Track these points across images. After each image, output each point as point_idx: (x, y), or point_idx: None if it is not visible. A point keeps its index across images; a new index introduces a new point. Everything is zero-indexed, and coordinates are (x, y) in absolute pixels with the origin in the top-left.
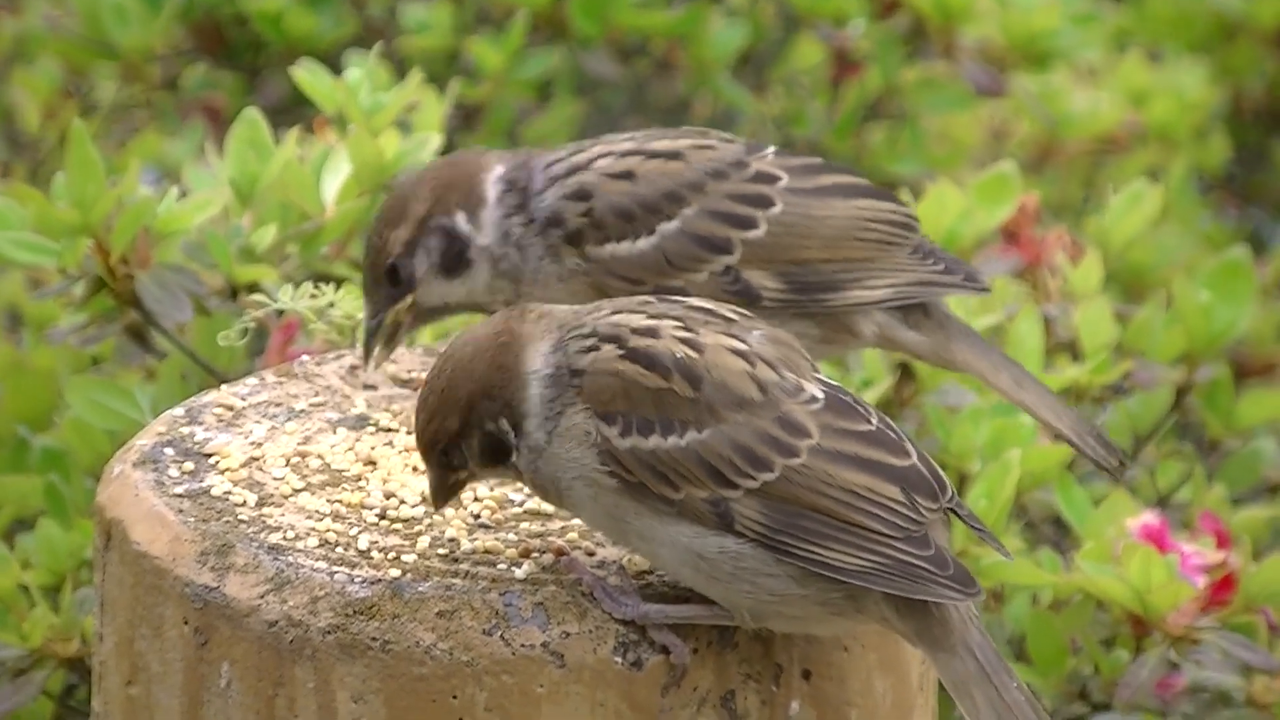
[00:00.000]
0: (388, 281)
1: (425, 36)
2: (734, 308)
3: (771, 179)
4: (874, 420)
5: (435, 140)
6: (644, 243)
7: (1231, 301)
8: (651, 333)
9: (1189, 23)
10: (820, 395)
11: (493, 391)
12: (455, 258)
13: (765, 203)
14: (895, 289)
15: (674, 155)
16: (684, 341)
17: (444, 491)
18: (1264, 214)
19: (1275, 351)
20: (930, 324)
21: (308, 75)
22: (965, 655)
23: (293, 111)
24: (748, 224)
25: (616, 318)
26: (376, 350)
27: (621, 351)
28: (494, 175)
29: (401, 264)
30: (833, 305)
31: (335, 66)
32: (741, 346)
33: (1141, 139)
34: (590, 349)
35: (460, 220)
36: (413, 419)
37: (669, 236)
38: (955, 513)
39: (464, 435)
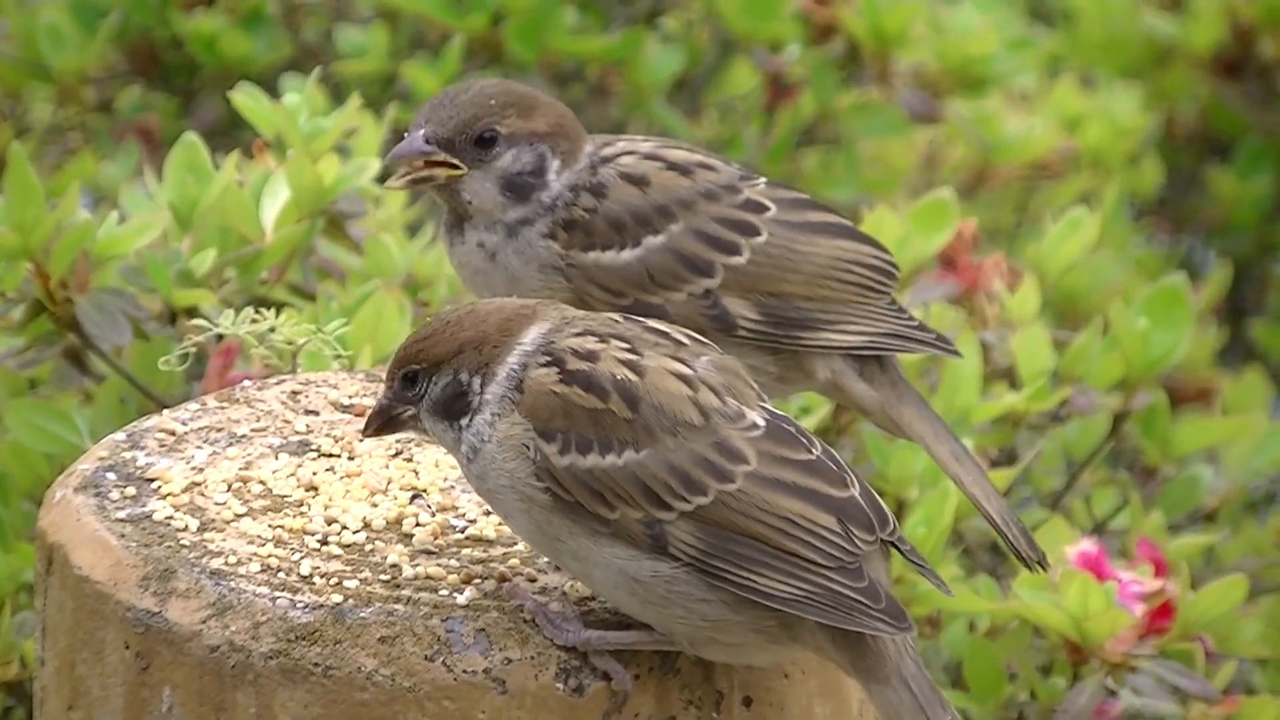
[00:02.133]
0: (475, 142)
1: (361, 60)
2: (688, 333)
3: (760, 208)
4: (815, 450)
5: (374, 165)
6: (628, 254)
7: (1169, 328)
8: (592, 356)
9: (1122, 48)
10: (761, 423)
11: (484, 346)
12: (526, 183)
13: (751, 230)
14: (869, 337)
15: (686, 170)
16: (626, 364)
17: (381, 420)
18: (1196, 240)
19: (1209, 377)
20: (883, 380)
21: (246, 99)
22: (899, 687)
23: (227, 134)
24: (731, 249)
25: (575, 340)
26: (399, 176)
27: (560, 375)
28: (590, 147)
29: (501, 140)
30: (807, 344)
31: (270, 89)
32: (686, 371)
33: (1075, 164)
34: (543, 364)
35: (551, 157)
36: (354, 444)
37: (654, 250)
38: (896, 547)
39: (439, 369)
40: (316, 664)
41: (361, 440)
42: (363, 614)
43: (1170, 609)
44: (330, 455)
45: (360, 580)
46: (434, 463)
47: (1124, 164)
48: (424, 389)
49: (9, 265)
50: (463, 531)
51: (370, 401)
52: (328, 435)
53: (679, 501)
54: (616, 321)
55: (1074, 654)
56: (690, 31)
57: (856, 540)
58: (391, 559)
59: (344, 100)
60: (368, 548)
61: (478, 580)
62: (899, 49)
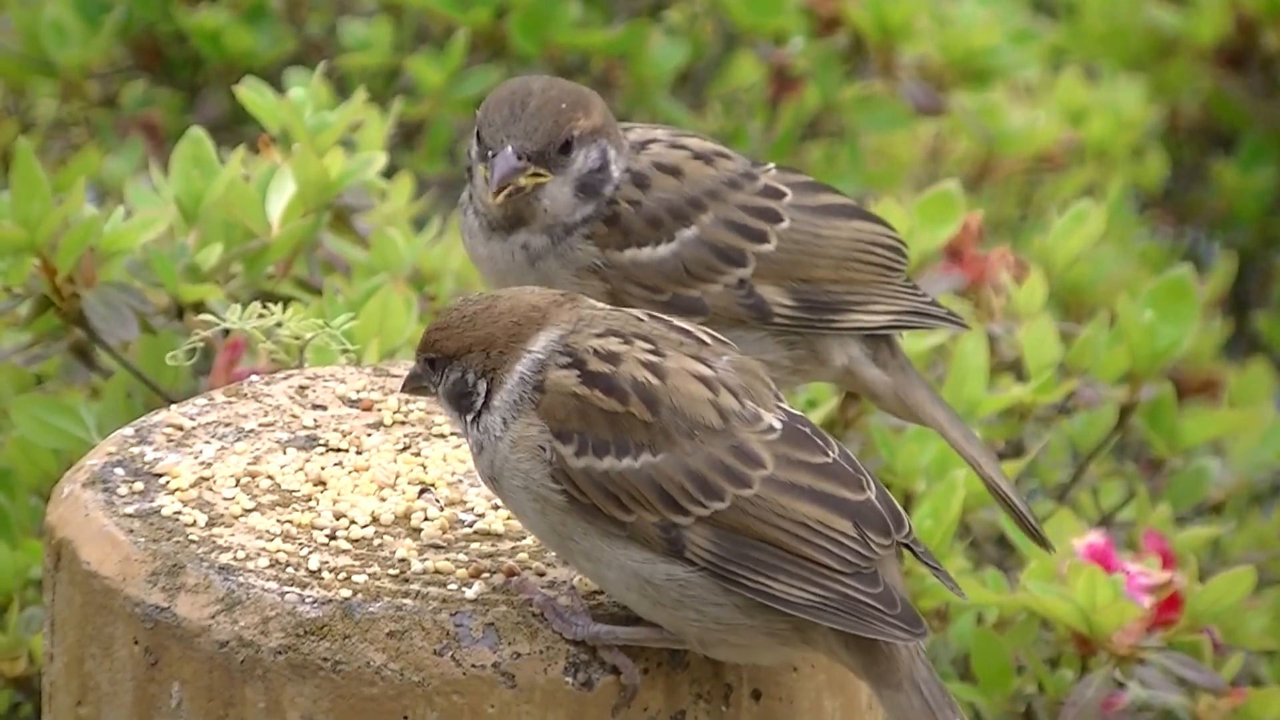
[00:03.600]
0: (557, 149)
1: (365, 54)
2: (711, 332)
3: (778, 194)
4: (832, 453)
5: (380, 160)
6: (664, 249)
7: (1175, 320)
8: (614, 359)
9: (1125, 40)
10: (778, 425)
11: (491, 350)
12: (595, 180)
13: (774, 217)
14: (894, 316)
15: (708, 159)
16: (647, 366)
17: (414, 386)
18: (1200, 233)
19: (1214, 369)
20: (895, 365)
21: (252, 94)
22: (911, 691)
23: (231, 129)
24: (759, 237)
25: (598, 341)
26: (499, 198)
27: (581, 376)
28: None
29: (577, 144)
30: (839, 327)
31: (274, 84)
32: (707, 373)
33: (1078, 156)
34: (563, 365)
35: (612, 153)
36: (362, 439)
37: (688, 244)
38: (910, 549)
39: (449, 364)
40: (325, 659)
41: (398, 392)
42: (371, 608)
43: (1178, 601)
44: (338, 450)
45: (369, 575)
46: (442, 457)
47: (1128, 156)
48: (439, 376)
49: (15, 260)
50: (471, 525)
51: (377, 396)
52: (335, 430)
53: (696, 506)
54: (641, 320)
55: (1082, 646)
56: (694, 24)
57: (872, 544)
58: (400, 553)
59: (348, 94)
60: (376, 542)
61: (486, 574)
62: (903, 42)
